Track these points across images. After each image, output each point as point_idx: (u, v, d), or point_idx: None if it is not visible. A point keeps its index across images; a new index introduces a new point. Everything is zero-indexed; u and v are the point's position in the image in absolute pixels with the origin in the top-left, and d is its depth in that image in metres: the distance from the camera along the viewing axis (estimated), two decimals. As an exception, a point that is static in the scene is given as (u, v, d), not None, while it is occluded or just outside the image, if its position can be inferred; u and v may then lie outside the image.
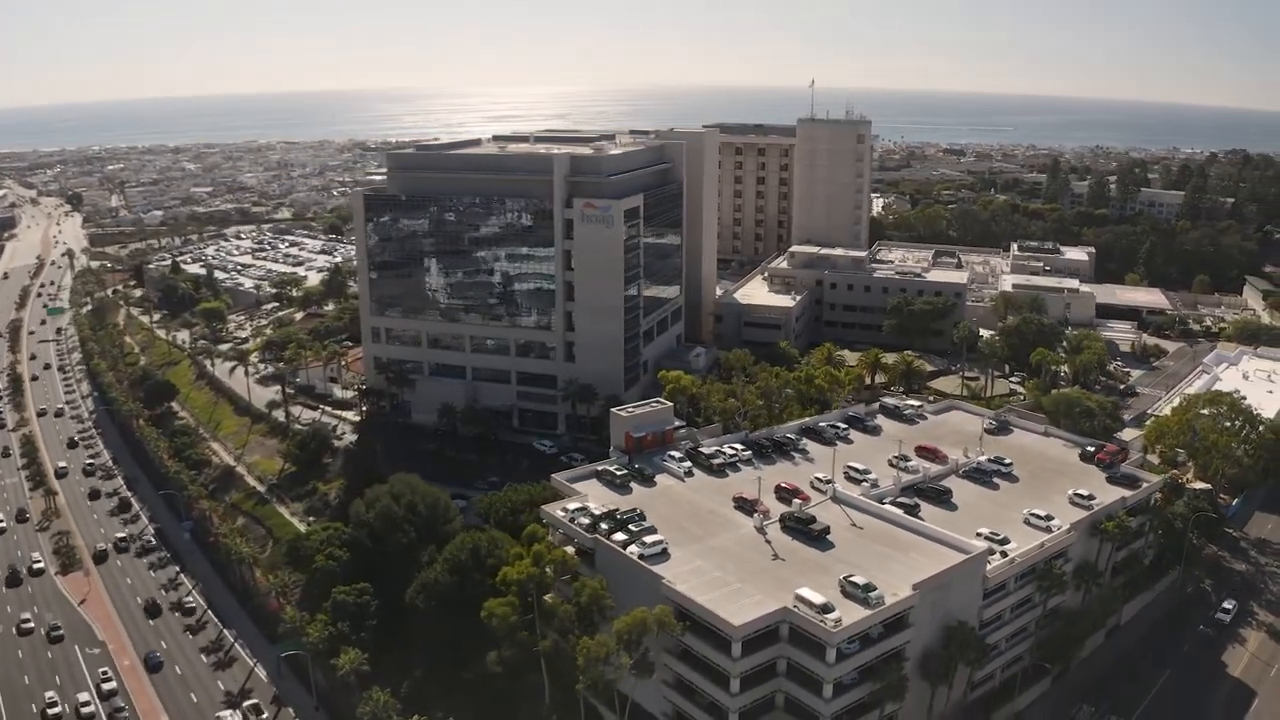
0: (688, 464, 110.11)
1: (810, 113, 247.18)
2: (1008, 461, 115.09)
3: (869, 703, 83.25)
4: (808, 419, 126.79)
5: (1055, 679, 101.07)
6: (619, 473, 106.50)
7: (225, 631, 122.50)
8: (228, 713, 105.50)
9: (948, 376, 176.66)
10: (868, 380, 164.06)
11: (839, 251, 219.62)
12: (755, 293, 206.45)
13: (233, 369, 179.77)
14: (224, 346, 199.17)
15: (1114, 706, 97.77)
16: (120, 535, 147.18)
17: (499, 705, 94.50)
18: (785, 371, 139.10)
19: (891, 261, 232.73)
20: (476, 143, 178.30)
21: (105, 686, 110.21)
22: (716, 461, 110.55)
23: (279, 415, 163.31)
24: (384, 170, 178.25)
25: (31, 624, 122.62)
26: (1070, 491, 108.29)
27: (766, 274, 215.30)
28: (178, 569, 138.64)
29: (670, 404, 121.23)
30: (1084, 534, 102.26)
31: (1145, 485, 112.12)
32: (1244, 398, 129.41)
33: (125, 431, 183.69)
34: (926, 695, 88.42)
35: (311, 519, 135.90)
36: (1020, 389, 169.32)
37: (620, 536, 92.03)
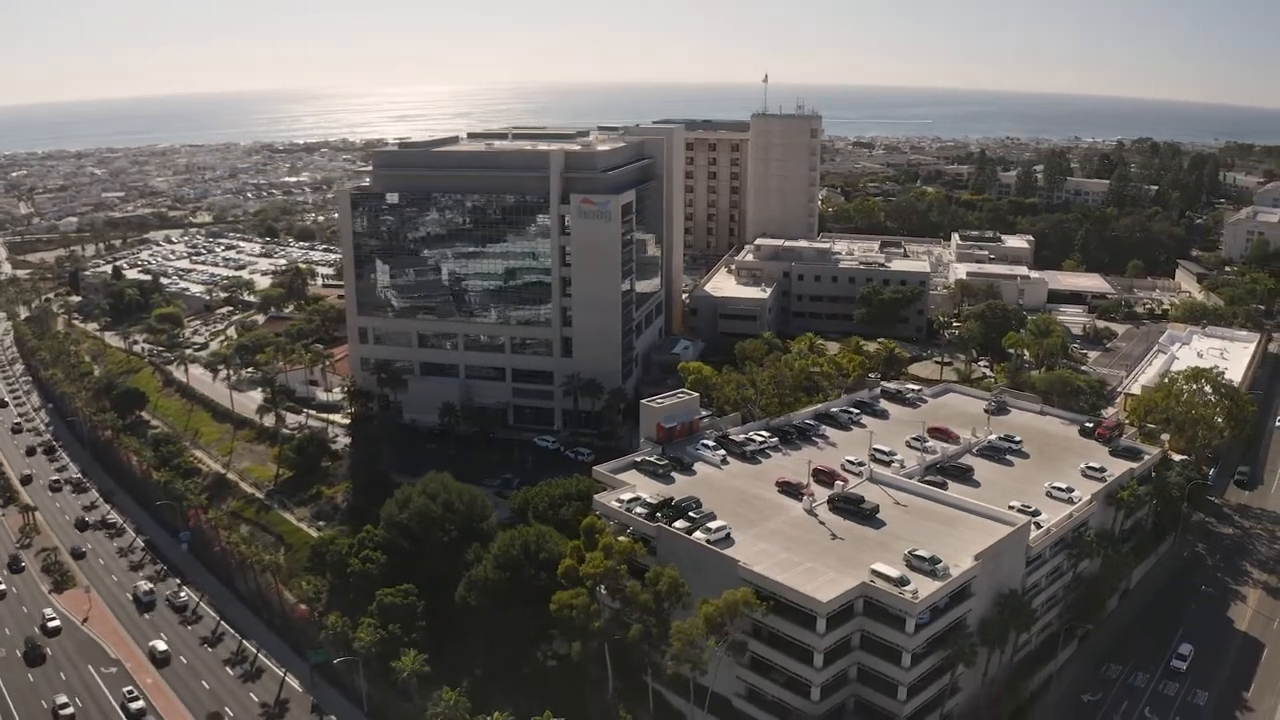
0: (722, 452, 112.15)
1: (764, 108, 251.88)
2: (1017, 439, 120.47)
3: (940, 669, 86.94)
4: (820, 405, 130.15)
5: (1081, 641, 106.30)
6: (660, 463, 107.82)
7: (245, 642, 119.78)
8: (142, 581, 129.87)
9: (922, 362, 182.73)
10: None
11: (802, 243, 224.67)
12: (724, 285, 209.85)
13: (216, 375, 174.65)
14: (188, 352, 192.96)
15: (1137, 665, 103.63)
16: (113, 549, 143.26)
17: (565, 699, 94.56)
18: (796, 360, 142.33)
19: (839, 253, 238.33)
20: (455, 140, 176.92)
21: (133, 706, 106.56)
22: (749, 449, 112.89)
23: (264, 420, 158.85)
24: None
25: (70, 710, 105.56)
26: (1082, 465, 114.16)
27: (733, 267, 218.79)
28: (178, 581, 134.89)
29: (696, 394, 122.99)
30: (1101, 504, 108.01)
31: (1147, 457, 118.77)
32: (1223, 373, 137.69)
33: (93, 444, 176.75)
34: (982, 660, 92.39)
35: (322, 524, 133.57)
36: (989, 372, 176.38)
37: (682, 524, 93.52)
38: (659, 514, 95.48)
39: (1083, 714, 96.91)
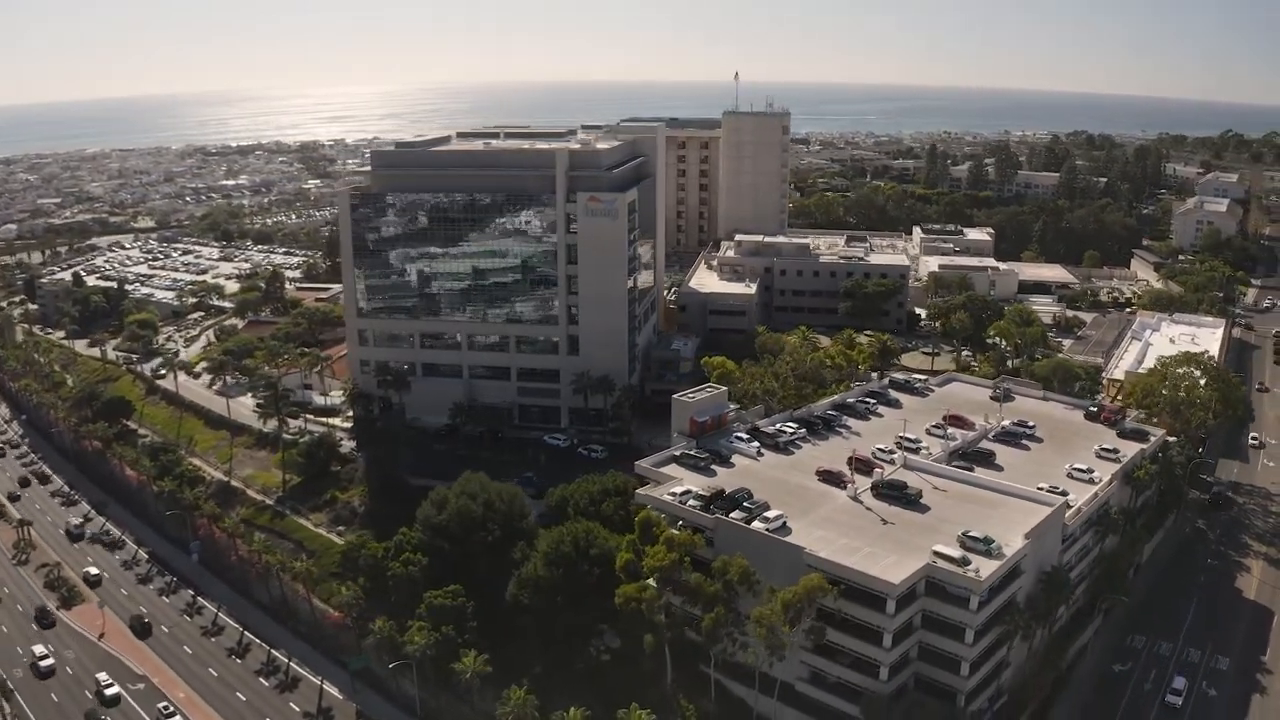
0: (756, 444, 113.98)
1: (735, 105, 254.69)
2: (1031, 424, 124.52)
3: (995, 645, 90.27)
4: (837, 396, 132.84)
5: (1105, 614, 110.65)
6: (700, 456, 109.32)
7: (274, 652, 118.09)
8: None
9: (910, 353, 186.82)
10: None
11: (781, 239, 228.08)
12: (707, 281, 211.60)
13: (213, 381, 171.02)
14: (176, 357, 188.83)
15: (1160, 635, 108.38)
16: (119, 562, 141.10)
17: (623, 693, 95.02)
18: (811, 353, 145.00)
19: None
20: (447, 140, 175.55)
21: None
22: (782, 440, 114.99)
23: (265, 426, 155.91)
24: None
25: None
26: (1095, 447, 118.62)
27: (715, 263, 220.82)
28: (192, 593, 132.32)
29: (725, 389, 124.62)
30: (1119, 482, 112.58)
31: (1154, 438, 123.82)
32: (1213, 356, 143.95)
33: (77, 455, 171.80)
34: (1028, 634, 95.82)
35: (341, 528, 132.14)
36: (973, 362, 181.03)
37: (738, 514, 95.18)
38: (713, 506, 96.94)
39: (1117, 683, 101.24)
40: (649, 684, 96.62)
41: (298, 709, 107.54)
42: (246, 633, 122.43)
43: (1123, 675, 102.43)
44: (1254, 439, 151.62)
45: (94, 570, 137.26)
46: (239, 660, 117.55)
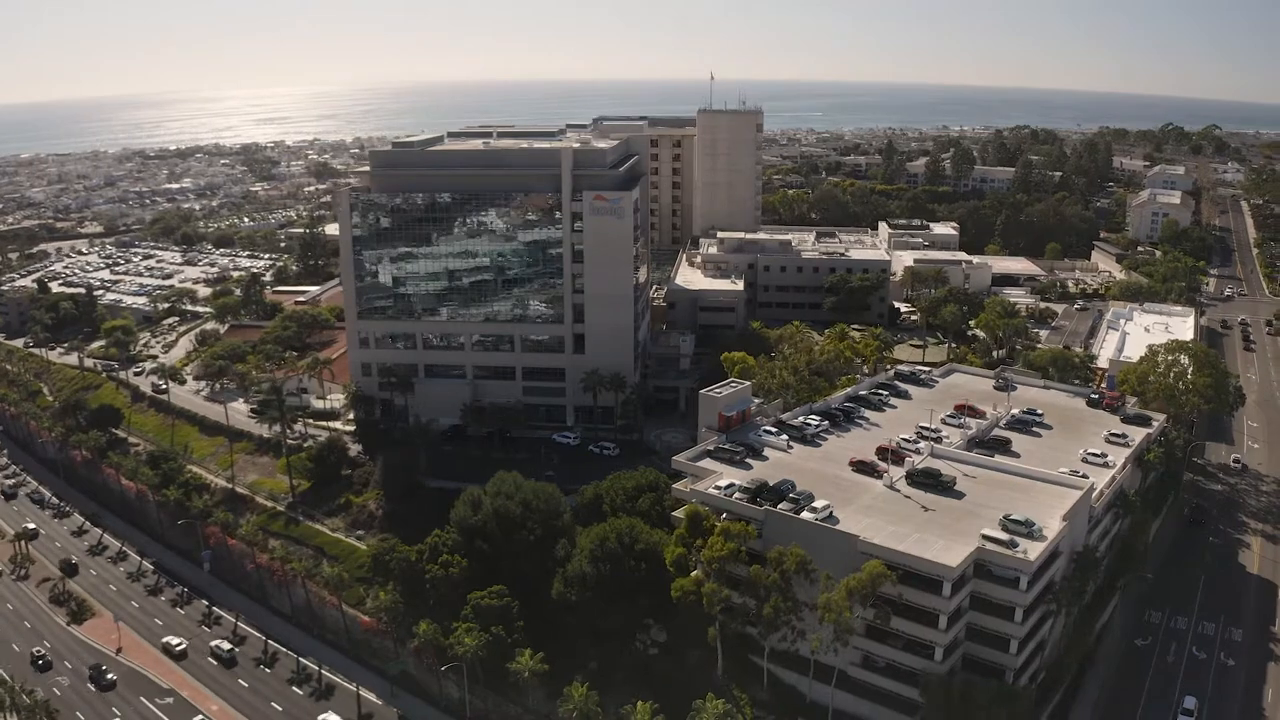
0: (785, 436, 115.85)
1: (709, 103, 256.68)
2: (1039, 412, 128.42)
3: (1040, 623, 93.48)
4: (849, 389, 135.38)
5: (1121, 592, 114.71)
6: (736, 449, 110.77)
7: (303, 660, 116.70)
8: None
9: (900, 345, 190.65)
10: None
11: (763, 236, 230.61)
12: (692, 278, 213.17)
13: (209, 387, 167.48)
14: (164, 364, 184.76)
15: (1175, 610, 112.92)
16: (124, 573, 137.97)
17: (675, 686, 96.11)
18: (825, 346, 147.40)
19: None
20: (440, 140, 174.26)
21: None
22: (808, 432, 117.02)
23: (270, 430, 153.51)
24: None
25: None
26: (1104, 432, 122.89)
27: (698, 259, 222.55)
28: (206, 603, 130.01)
29: (748, 383, 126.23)
30: (1132, 466, 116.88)
31: (1156, 422, 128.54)
32: (1202, 344, 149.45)
33: (65, 466, 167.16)
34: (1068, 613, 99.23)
35: (361, 533, 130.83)
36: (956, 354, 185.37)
37: (785, 505, 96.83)
38: (760, 498, 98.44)
39: (1140, 657, 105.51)
40: (699, 676, 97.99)
41: (338, 716, 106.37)
42: (271, 641, 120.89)
43: (1145, 649, 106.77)
44: (1235, 460, 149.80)
45: (32, 526, 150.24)
46: (268, 670, 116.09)
